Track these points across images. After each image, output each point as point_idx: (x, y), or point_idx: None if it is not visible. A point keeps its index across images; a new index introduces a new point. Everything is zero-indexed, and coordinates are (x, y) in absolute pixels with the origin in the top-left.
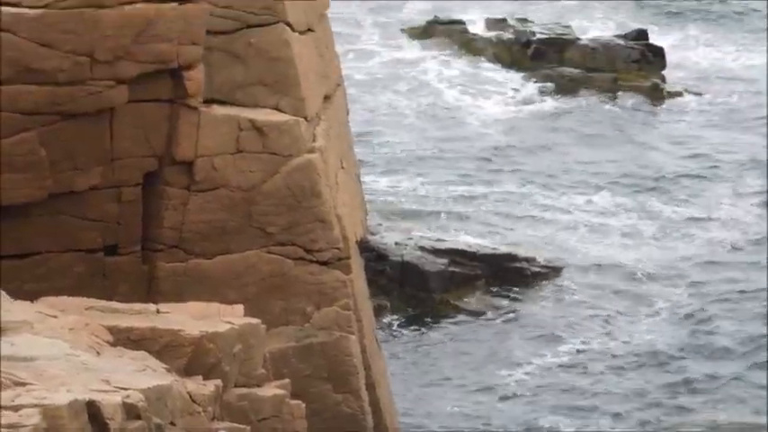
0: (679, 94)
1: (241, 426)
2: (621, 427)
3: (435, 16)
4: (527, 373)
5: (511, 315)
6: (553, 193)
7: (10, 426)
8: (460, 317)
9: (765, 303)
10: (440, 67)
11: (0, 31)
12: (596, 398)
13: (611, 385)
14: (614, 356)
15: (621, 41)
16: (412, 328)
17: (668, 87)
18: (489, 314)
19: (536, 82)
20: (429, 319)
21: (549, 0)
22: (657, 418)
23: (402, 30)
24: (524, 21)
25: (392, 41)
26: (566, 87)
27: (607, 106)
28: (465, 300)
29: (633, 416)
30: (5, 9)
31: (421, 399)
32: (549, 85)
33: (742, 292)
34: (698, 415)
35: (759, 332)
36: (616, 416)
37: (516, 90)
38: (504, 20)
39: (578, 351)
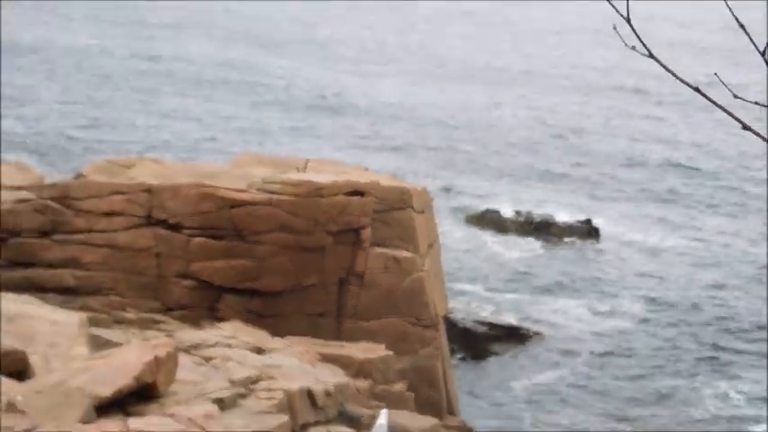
0: (599, 249)
1: (381, 403)
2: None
3: (486, 208)
4: (523, 386)
5: (516, 356)
6: (545, 296)
7: (267, 398)
8: (491, 356)
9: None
10: (487, 236)
11: (273, 207)
12: (560, 403)
13: (569, 396)
14: (569, 386)
15: (578, 224)
16: (466, 360)
17: (592, 247)
18: (505, 356)
19: (535, 240)
20: (475, 356)
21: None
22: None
23: (465, 216)
24: (530, 212)
25: (460, 223)
26: (550, 245)
27: (570, 253)
28: (493, 348)
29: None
30: (275, 196)
31: (469, 394)
32: (541, 242)
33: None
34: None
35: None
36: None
37: (526, 245)
38: (519, 211)
39: (551, 378)
